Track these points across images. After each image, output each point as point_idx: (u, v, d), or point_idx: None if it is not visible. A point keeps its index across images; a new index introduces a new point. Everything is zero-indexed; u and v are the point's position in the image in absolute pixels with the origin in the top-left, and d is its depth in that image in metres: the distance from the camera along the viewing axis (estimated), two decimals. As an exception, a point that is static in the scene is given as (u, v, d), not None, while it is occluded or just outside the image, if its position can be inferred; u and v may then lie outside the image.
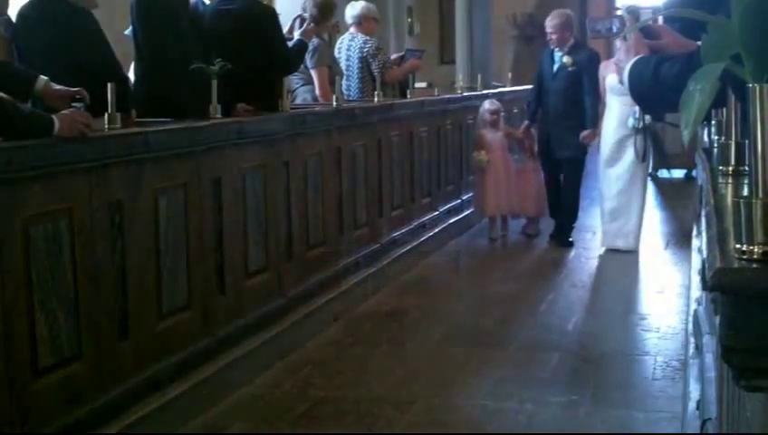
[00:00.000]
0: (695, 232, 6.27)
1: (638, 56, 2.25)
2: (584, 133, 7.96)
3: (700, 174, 5.26)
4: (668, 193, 11.19)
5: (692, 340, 4.83)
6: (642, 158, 7.60)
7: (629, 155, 7.64)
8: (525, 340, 5.60)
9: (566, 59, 8.07)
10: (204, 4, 6.29)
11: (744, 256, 1.38)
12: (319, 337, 5.60)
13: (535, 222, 8.67)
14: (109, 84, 4.10)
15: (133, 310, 4.05)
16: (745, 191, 1.67)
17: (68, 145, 3.66)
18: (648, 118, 7.24)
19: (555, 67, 8.17)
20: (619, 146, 7.67)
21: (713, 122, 3.95)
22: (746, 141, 1.44)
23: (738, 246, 1.40)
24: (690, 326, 5.12)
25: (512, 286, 6.90)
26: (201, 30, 5.45)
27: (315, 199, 5.88)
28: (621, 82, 2.36)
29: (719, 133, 3.49)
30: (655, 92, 2.17)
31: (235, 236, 4.92)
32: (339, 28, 8.52)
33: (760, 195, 1.38)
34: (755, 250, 1.37)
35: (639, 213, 7.79)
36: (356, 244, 6.56)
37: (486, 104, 8.69)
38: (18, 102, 3.71)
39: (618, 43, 6.96)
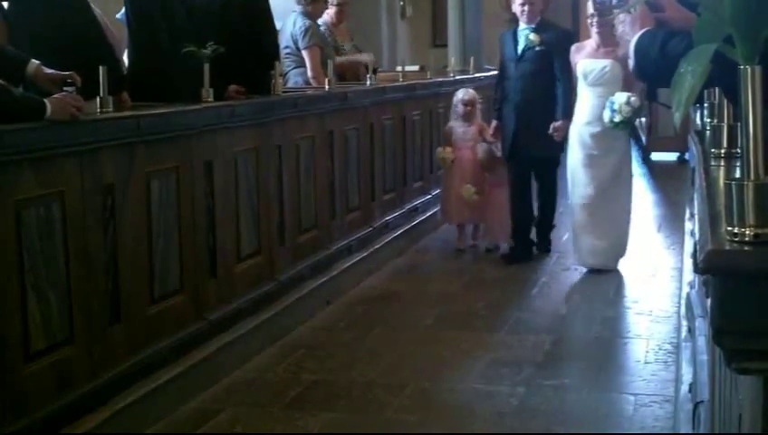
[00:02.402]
0: (687, 215, 6.27)
1: (643, 30, 2.23)
2: (555, 124, 6.76)
3: (692, 156, 5.25)
4: (661, 176, 11.20)
5: (684, 323, 4.84)
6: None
7: (610, 155, 6.58)
8: (517, 323, 5.61)
9: (532, 36, 6.87)
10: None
11: (736, 239, 1.38)
12: (311, 321, 5.60)
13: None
14: (101, 68, 4.08)
15: (125, 294, 4.05)
16: (737, 174, 1.68)
17: (59, 128, 3.65)
18: (628, 110, 6.17)
19: (520, 48, 6.97)
20: (595, 144, 6.57)
21: (705, 105, 3.96)
22: (738, 124, 1.44)
23: (730, 228, 1.40)
24: (683, 309, 5.13)
25: (504, 270, 6.90)
26: (193, 12, 5.42)
27: (307, 183, 5.87)
28: (627, 55, 2.35)
29: (711, 116, 3.50)
30: (661, 68, 2.15)
31: (227, 219, 4.91)
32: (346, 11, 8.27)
33: (752, 177, 1.38)
34: (747, 232, 1.38)
35: (627, 224, 6.72)
36: (348, 228, 6.56)
37: (459, 94, 7.60)
38: (10, 86, 3.69)
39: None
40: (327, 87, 6.41)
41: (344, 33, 7.96)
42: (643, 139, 12.43)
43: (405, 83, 8.06)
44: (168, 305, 4.37)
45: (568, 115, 6.75)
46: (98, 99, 4.09)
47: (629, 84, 6.34)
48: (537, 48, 6.88)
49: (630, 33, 2.26)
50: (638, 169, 7.01)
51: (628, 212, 6.74)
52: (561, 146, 6.94)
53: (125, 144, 4.08)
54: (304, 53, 7.24)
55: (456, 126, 7.56)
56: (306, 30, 7.19)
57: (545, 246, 7.28)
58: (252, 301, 5.09)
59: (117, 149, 4.02)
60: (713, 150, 2.55)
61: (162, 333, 4.31)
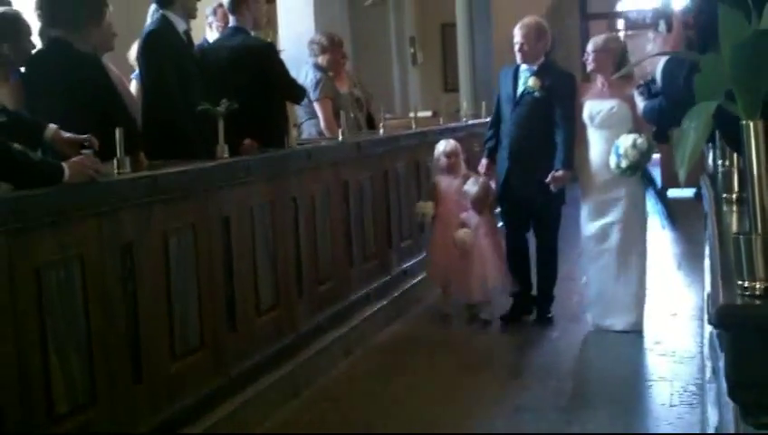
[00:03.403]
0: (707, 252, 6.22)
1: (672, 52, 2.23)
2: (555, 174, 6.20)
3: (705, 198, 5.22)
4: (678, 212, 11.11)
5: (708, 363, 4.80)
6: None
7: (621, 203, 6.11)
8: (540, 367, 5.58)
9: (532, 81, 6.35)
10: (209, 43, 6.38)
11: (747, 292, 1.39)
12: (332, 372, 5.59)
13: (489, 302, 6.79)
14: (117, 129, 4.14)
15: (146, 353, 4.06)
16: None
17: (77, 191, 3.69)
18: (635, 153, 5.73)
19: (519, 91, 6.45)
20: (606, 192, 6.12)
21: (717, 144, 3.96)
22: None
23: (740, 282, 1.40)
24: (706, 349, 5.09)
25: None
26: (205, 69, 5.50)
27: (324, 234, 5.89)
28: (652, 77, 2.35)
29: (723, 157, 3.51)
30: (685, 100, 2.14)
31: (245, 274, 4.93)
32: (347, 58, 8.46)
33: (759, 231, 1.39)
34: (757, 286, 1.38)
35: (641, 278, 6.20)
36: (366, 276, 6.56)
37: (441, 146, 7.04)
38: (28, 151, 3.75)
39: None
40: (340, 137, 6.46)
41: (343, 80, 7.97)
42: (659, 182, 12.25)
43: (418, 130, 8.10)
44: (189, 362, 4.38)
45: (568, 165, 6.25)
46: (114, 160, 4.14)
47: (639, 126, 5.88)
48: (536, 94, 6.36)
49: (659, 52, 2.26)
50: (652, 208, 6.36)
51: (642, 267, 6.21)
52: (560, 196, 6.40)
53: (142, 203, 4.12)
54: (316, 106, 7.31)
55: (441, 180, 7.02)
56: (317, 82, 7.27)
57: (540, 316, 6.60)
58: (272, 354, 5.09)
59: (134, 208, 4.06)
60: (725, 195, 2.56)
61: (184, 390, 4.31)
